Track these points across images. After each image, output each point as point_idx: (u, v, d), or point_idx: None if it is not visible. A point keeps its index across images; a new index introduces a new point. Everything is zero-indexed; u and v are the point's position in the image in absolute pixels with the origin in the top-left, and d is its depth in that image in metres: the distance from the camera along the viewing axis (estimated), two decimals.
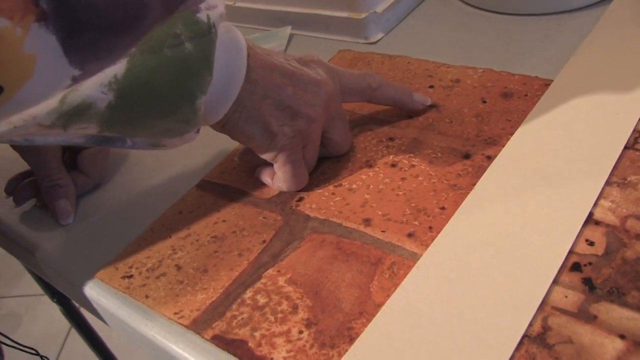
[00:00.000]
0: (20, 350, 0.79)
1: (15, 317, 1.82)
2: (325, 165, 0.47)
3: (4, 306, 1.88)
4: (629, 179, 0.39)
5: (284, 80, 0.41)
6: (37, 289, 0.96)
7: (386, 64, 0.57)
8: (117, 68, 0.32)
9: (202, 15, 0.34)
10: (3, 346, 0.81)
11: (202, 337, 0.37)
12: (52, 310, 0.97)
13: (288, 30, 0.66)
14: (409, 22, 0.63)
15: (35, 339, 1.70)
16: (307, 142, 0.44)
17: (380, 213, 0.41)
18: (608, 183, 0.39)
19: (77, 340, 1.07)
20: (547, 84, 0.48)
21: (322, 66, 0.45)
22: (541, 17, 0.57)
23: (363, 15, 0.60)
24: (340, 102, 0.46)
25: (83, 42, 0.32)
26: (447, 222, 0.39)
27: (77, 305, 1.00)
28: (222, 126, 0.41)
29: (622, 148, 0.41)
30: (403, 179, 0.43)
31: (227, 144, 0.50)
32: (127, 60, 0.32)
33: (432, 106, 0.50)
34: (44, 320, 1.76)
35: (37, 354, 0.79)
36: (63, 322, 1.02)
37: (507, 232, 0.37)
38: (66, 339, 1.70)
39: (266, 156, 0.44)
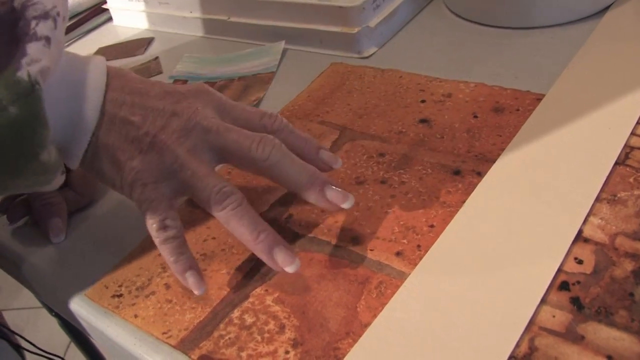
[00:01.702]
0: (45, 357, 0.78)
1: (16, 330, 1.82)
2: None
3: (5, 319, 1.88)
4: (619, 195, 0.38)
5: (134, 109, 0.39)
6: (37, 302, 0.96)
7: (378, 78, 0.56)
8: None
9: (22, 73, 0.33)
10: (26, 353, 0.81)
11: (189, 357, 0.37)
12: (52, 324, 0.96)
13: (282, 45, 0.66)
14: (403, 36, 0.63)
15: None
16: (172, 175, 0.38)
17: (369, 231, 0.41)
18: (598, 199, 0.38)
19: (77, 353, 1.07)
20: (539, 98, 0.48)
21: (202, 98, 0.41)
22: (534, 31, 0.57)
23: (356, 30, 0.60)
24: (218, 138, 0.39)
25: None
26: (435, 240, 0.39)
27: None
28: (86, 169, 0.40)
29: (612, 164, 0.40)
30: (393, 196, 0.43)
31: None
32: None
33: (423, 121, 0.49)
34: (45, 333, 1.76)
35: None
36: (63, 335, 1.02)
37: (495, 251, 0.37)
38: (66, 351, 1.69)
39: (125, 195, 0.40)
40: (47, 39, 0.35)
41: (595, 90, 0.47)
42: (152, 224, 0.38)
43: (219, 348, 0.37)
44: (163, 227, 0.38)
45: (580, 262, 0.35)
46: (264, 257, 0.37)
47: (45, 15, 0.35)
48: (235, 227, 0.37)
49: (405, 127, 0.49)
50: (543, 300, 0.34)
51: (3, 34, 0.35)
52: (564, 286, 0.34)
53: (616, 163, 0.40)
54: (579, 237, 0.36)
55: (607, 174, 0.40)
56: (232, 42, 0.73)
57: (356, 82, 0.57)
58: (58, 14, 0.36)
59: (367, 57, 0.61)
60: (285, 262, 0.37)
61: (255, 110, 0.42)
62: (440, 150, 0.46)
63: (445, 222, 0.40)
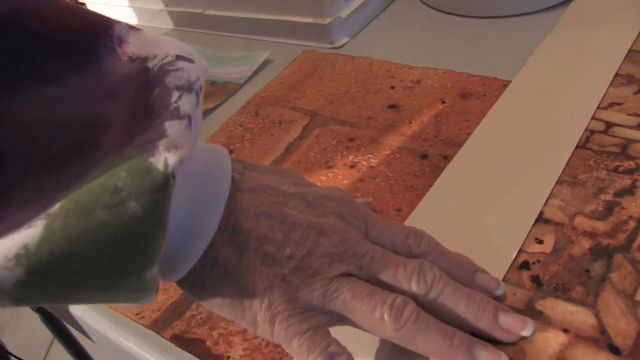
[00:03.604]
0: None
1: None
2: (284, 165, 0.47)
3: None
4: (579, 177, 0.39)
5: (272, 223, 0.31)
6: None
7: (349, 65, 0.57)
8: (30, 234, 0.23)
9: (157, 160, 0.25)
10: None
11: (162, 336, 0.38)
12: (36, 320, 0.96)
13: (264, 55, 0.64)
14: (375, 26, 0.64)
15: (19, 348, 1.68)
16: (325, 303, 0.31)
17: None
18: (559, 182, 0.39)
19: (60, 350, 1.07)
20: (505, 84, 0.49)
21: (346, 212, 0.33)
22: (503, 20, 0.58)
23: (328, 20, 0.61)
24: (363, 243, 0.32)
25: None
26: None
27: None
28: (189, 289, 0.31)
29: (573, 147, 0.41)
30: (361, 180, 0.44)
31: None
32: (45, 224, 0.23)
33: (392, 106, 0.50)
34: (27, 329, 1.75)
35: None
36: (46, 332, 1.02)
37: (459, 233, 0.38)
38: (50, 348, 1.69)
39: (259, 333, 0.31)
40: (189, 120, 0.27)
41: (560, 76, 0.48)
42: (315, 359, 0.30)
43: (191, 327, 0.37)
44: (330, 358, 0.29)
45: (540, 242, 0.36)
46: None
47: (189, 87, 0.27)
48: (423, 341, 0.30)
49: (375, 112, 0.50)
50: (505, 280, 0.34)
51: (130, 98, 0.27)
52: (525, 265, 0.35)
53: (577, 147, 0.41)
54: (540, 218, 0.37)
55: (568, 157, 0.41)
56: (209, 35, 0.74)
57: (327, 69, 0.58)
58: (200, 88, 0.28)
59: (339, 47, 0.62)
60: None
61: (401, 228, 0.34)
62: (408, 135, 0.47)
63: (412, 205, 0.40)
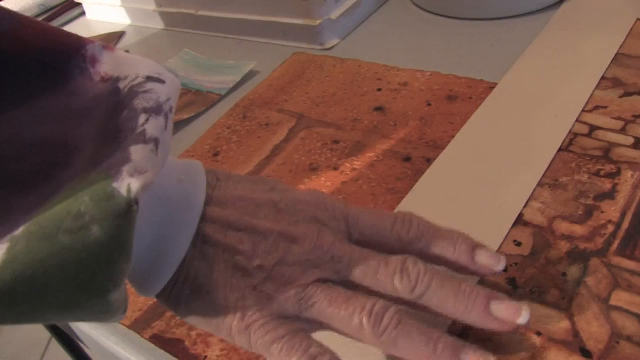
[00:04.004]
0: None
1: None
2: (269, 167, 0.47)
3: None
4: (560, 180, 0.39)
5: (241, 235, 0.31)
6: None
7: (337, 68, 0.57)
8: None
9: (120, 186, 0.25)
10: None
11: (142, 336, 0.38)
12: None
13: (249, 66, 0.63)
14: (366, 28, 0.64)
15: (17, 347, 1.69)
16: (299, 311, 0.30)
17: None
18: (540, 184, 0.39)
19: (58, 349, 1.07)
20: (492, 87, 0.49)
21: (322, 214, 0.32)
22: (493, 22, 0.58)
23: (318, 22, 0.61)
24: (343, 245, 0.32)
25: None
26: None
27: None
28: (166, 304, 0.31)
29: (556, 150, 0.41)
30: (344, 182, 0.44)
31: None
32: (8, 247, 0.23)
33: (378, 109, 0.50)
34: (26, 328, 1.76)
35: None
36: (45, 331, 1.02)
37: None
38: (47, 347, 1.69)
39: (237, 343, 0.31)
40: (156, 143, 0.27)
41: (547, 79, 0.48)
42: None
43: (170, 328, 0.38)
44: (313, 359, 0.28)
45: (518, 244, 0.36)
46: None
47: (157, 110, 0.27)
48: (406, 347, 0.29)
49: (361, 115, 0.50)
50: (481, 282, 0.34)
51: (100, 120, 0.27)
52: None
53: (560, 149, 0.41)
54: (520, 221, 0.37)
55: (550, 160, 0.41)
56: (201, 36, 0.74)
57: (316, 71, 0.58)
58: (171, 110, 0.28)
59: (329, 49, 0.62)
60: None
61: (386, 217, 0.33)
62: (392, 138, 0.47)
63: (393, 208, 0.40)
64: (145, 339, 0.37)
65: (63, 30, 0.29)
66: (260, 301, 0.30)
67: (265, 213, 0.32)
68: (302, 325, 0.30)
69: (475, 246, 0.32)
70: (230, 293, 0.30)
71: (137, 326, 0.38)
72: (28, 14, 0.71)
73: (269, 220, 0.31)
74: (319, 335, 0.30)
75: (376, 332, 0.29)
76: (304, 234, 0.31)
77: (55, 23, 0.93)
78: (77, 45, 0.29)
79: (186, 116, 0.58)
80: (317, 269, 0.30)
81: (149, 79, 0.28)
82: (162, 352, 0.37)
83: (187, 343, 0.36)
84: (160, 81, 0.29)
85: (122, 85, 0.28)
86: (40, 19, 0.91)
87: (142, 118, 0.27)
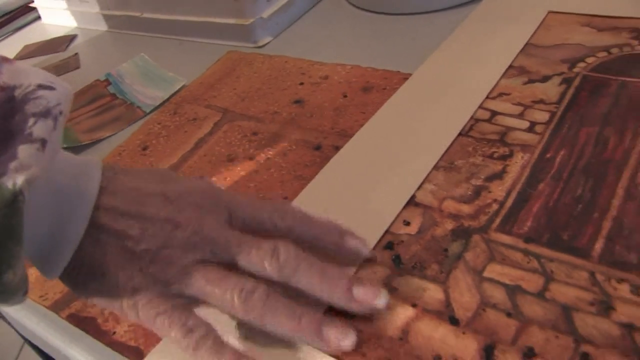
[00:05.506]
0: None
1: None
2: (192, 159, 0.49)
3: None
4: (455, 163, 0.41)
5: (130, 221, 0.34)
6: None
7: (265, 64, 0.59)
8: None
9: (7, 180, 0.28)
10: None
11: (59, 315, 0.40)
12: (6, 324, 0.98)
13: (180, 83, 0.62)
14: (299, 26, 0.66)
15: None
16: (180, 288, 0.33)
17: None
18: (436, 167, 0.41)
19: (31, 354, 1.07)
20: (406, 77, 0.50)
21: (208, 202, 0.36)
22: (418, 16, 0.60)
23: (250, 21, 0.62)
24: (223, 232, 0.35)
25: None
26: None
27: None
28: (68, 286, 0.34)
29: (456, 135, 0.43)
30: (256, 171, 0.45)
31: None
32: None
33: (297, 101, 0.52)
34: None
35: None
36: (17, 335, 1.03)
37: (334, 218, 0.39)
38: (20, 351, 1.69)
39: (131, 318, 0.34)
40: (43, 143, 0.30)
41: (458, 68, 0.50)
42: (174, 334, 0.32)
43: (86, 307, 0.40)
44: (189, 331, 0.32)
45: (407, 223, 0.37)
46: (315, 341, 0.32)
47: (45, 113, 0.31)
48: (272, 321, 0.31)
49: (280, 107, 0.51)
50: (368, 261, 0.36)
51: None
52: (389, 246, 0.36)
53: (460, 134, 0.43)
54: (411, 202, 0.39)
55: (449, 144, 0.42)
56: (147, 37, 0.75)
57: (246, 68, 0.59)
58: (60, 113, 0.31)
59: (261, 47, 0.63)
60: (338, 339, 0.32)
61: (264, 206, 0.36)
62: (307, 128, 0.48)
63: (297, 193, 0.42)
64: (63, 318, 0.39)
65: None
66: (146, 280, 0.33)
67: (154, 202, 0.35)
68: (184, 301, 0.33)
69: (343, 233, 0.35)
70: (121, 274, 0.33)
71: (56, 307, 0.41)
72: None
73: (157, 208, 0.34)
74: None
75: (245, 307, 0.32)
76: (187, 219, 0.34)
77: (11, 27, 0.95)
78: None
79: (108, 134, 0.58)
80: (197, 250, 0.33)
81: (40, 86, 0.31)
82: (76, 329, 0.39)
83: (99, 320, 0.38)
84: (51, 88, 0.32)
85: (17, 93, 0.31)
86: None
87: (31, 121, 0.30)
